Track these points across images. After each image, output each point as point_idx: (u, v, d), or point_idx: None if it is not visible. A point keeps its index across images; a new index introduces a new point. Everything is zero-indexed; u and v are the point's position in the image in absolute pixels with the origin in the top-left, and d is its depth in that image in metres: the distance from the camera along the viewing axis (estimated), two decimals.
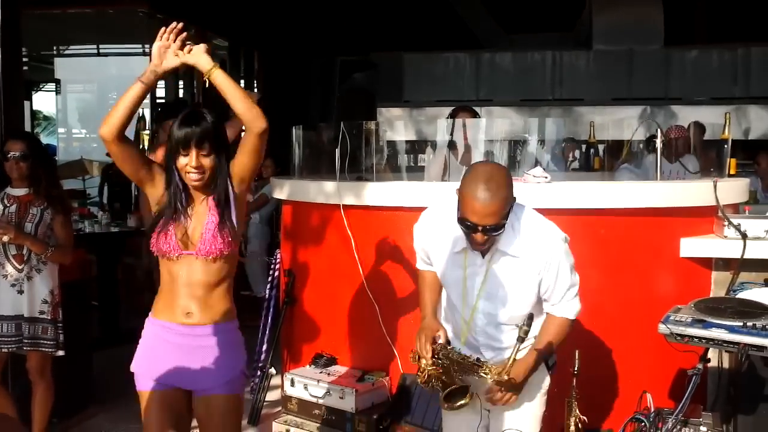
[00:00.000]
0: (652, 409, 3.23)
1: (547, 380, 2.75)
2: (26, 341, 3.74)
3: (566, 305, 2.60)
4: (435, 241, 2.67)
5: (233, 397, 2.67)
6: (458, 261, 2.60)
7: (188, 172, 2.53)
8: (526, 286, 2.54)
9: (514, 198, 2.47)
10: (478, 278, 2.57)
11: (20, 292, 3.74)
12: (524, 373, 2.56)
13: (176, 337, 2.62)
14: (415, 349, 2.65)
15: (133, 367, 2.70)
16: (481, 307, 2.59)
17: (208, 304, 2.62)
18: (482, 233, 2.39)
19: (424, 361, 2.59)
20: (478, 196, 2.35)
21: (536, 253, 2.50)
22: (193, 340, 2.62)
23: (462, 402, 2.51)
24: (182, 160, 2.53)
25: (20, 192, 3.81)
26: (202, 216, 2.60)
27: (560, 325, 2.62)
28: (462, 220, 2.41)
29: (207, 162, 2.53)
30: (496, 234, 2.42)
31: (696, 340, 2.88)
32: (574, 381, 3.12)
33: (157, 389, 2.62)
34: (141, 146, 8.27)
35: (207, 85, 2.56)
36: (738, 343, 2.79)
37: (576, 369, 3.11)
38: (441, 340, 2.61)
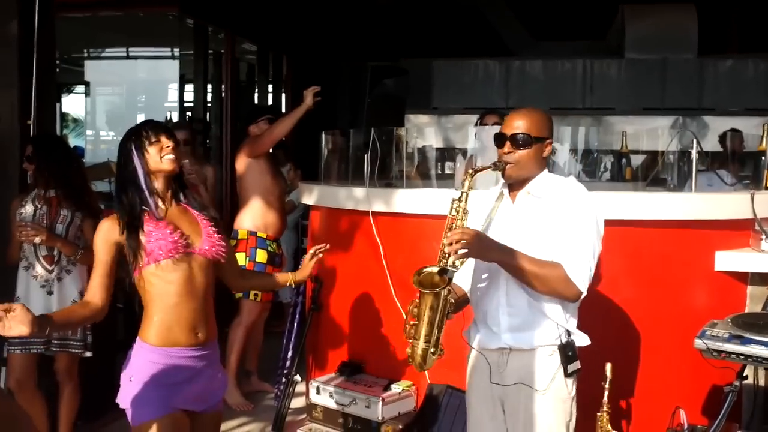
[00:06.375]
0: (686, 426, 3.16)
1: (566, 387, 2.53)
2: (55, 342, 3.75)
3: (577, 267, 2.42)
4: (476, 211, 2.65)
5: (220, 412, 2.72)
6: (494, 215, 2.64)
7: (165, 155, 2.46)
8: (545, 228, 2.50)
9: (550, 141, 2.59)
10: (506, 223, 2.58)
11: (50, 293, 3.76)
12: (488, 240, 2.44)
13: (183, 361, 2.47)
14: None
15: (126, 404, 2.54)
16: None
17: (207, 315, 2.52)
18: (510, 142, 2.52)
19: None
20: (510, 112, 2.62)
21: (556, 194, 2.55)
22: (199, 360, 2.51)
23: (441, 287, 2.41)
24: (153, 148, 2.47)
25: (51, 193, 3.82)
26: (185, 216, 2.53)
27: (559, 272, 2.41)
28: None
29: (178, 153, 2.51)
30: (520, 147, 2.51)
31: (734, 356, 2.82)
32: (606, 394, 3.08)
33: (167, 413, 2.47)
34: None
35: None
36: None
37: (607, 382, 3.06)
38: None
